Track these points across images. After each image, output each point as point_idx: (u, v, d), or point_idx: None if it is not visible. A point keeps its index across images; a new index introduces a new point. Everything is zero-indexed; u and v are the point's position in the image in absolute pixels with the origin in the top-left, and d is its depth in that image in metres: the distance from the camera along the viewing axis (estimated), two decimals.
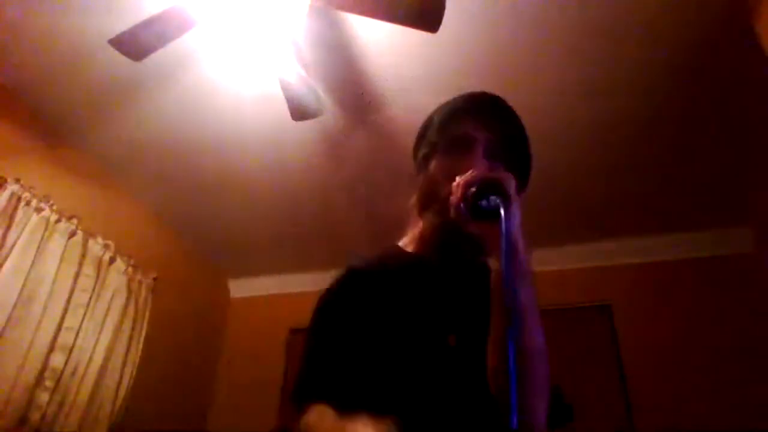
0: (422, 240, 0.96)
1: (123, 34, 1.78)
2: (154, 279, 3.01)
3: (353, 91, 2.33)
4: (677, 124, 2.39)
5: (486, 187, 0.76)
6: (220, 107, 2.46)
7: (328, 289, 0.91)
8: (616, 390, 2.88)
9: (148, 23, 1.75)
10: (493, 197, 0.74)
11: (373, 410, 0.78)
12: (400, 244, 1.01)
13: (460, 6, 1.90)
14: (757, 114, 2.25)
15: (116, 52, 1.84)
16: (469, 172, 0.78)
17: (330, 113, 2.35)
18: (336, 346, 0.85)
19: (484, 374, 0.76)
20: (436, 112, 1.01)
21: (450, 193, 0.81)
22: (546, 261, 3.29)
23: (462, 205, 0.77)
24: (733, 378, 2.66)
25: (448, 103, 1.00)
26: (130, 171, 2.94)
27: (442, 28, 1.68)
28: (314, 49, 2.11)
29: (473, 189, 0.76)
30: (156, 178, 2.99)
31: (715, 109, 2.28)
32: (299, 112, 2.09)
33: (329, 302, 0.90)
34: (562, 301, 3.17)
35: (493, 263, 0.77)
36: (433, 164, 0.95)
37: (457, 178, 0.80)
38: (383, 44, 2.10)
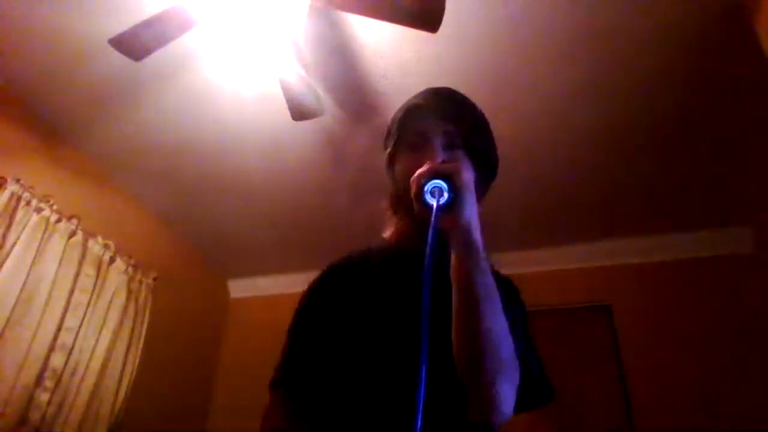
0: (398, 236, 1.00)
1: (123, 34, 1.78)
2: (154, 279, 3.02)
3: (353, 91, 2.33)
4: (677, 125, 2.39)
5: (430, 177, 0.75)
6: (220, 107, 2.45)
7: (309, 286, 0.97)
8: (616, 390, 2.88)
9: (148, 23, 1.75)
10: (435, 187, 0.74)
11: (344, 399, 0.83)
12: (384, 236, 1.04)
13: (460, 6, 1.90)
14: (757, 114, 2.25)
15: (116, 52, 1.84)
16: (424, 166, 0.78)
17: (330, 113, 2.35)
18: (312, 337, 0.89)
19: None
20: (397, 111, 1.04)
21: (410, 192, 0.81)
22: (546, 261, 3.29)
23: (419, 198, 0.77)
24: (732, 378, 2.66)
25: (406, 102, 1.03)
26: (130, 171, 2.94)
27: (442, 28, 1.68)
28: (314, 49, 2.11)
29: (419, 182, 0.76)
30: (156, 178, 2.98)
31: (715, 109, 2.28)
32: (299, 112, 2.09)
33: (308, 298, 0.95)
34: (562, 301, 3.17)
35: (452, 254, 0.78)
36: (396, 164, 0.99)
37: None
38: (383, 44, 2.10)
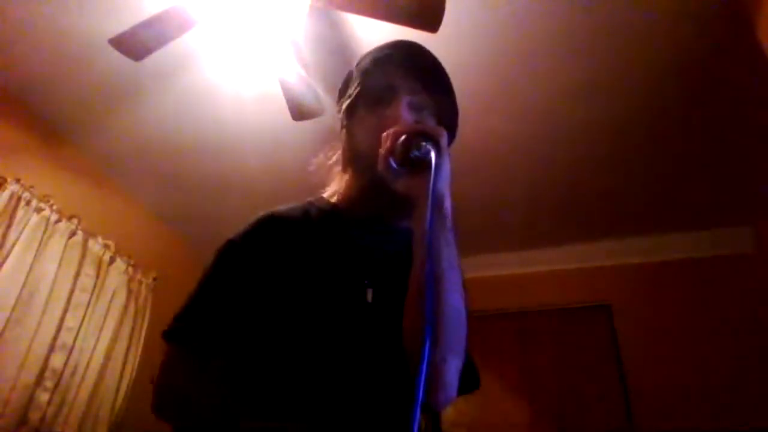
0: (348, 195, 0.90)
1: (123, 34, 1.78)
2: (154, 279, 3.02)
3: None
4: (677, 125, 2.39)
5: (417, 136, 0.73)
6: (220, 107, 2.45)
7: (240, 231, 0.84)
8: (616, 390, 2.88)
9: (148, 23, 1.75)
10: (424, 144, 0.71)
11: (268, 366, 0.73)
12: (325, 195, 0.95)
13: (460, 6, 1.90)
14: (757, 114, 2.25)
15: (116, 52, 1.84)
16: (400, 123, 0.75)
17: (330, 113, 2.35)
18: (233, 290, 0.77)
19: (400, 333, 0.73)
20: (358, 62, 0.96)
21: (376, 148, 0.77)
22: (546, 261, 3.29)
23: (390, 158, 0.74)
24: (732, 378, 2.66)
25: (370, 53, 0.94)
26: (130, 171, 2.94)
27: (441, 27, 1.68)
28: (314, 49, 2.11)
29: (403, 138, 0.74)
30: (156, 178, 2.98)
31: (715, 109, 2.28)
32: (299, 112, 2.09)
33: (238, 243, 0.82)
34: (562, 301, 3.17)
35: (416, 221, 0.74)
36: (356, 117, 0.90)
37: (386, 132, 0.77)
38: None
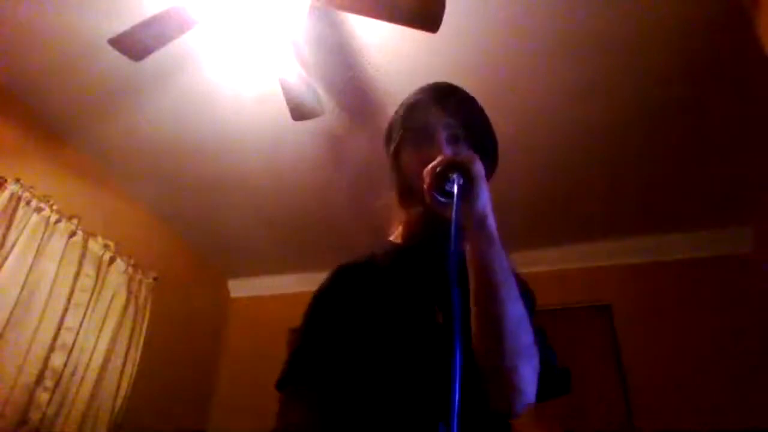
0: (408, 231, 1.00)
1: (123, 34, 1.78)
2: (154, 279, 3.02)
3: (353, 92, 2.33)
4: (677, 125, 2.39)
5: (447, 168, 0.78)
6: (219, 107, 2.45)
7: (319, 288, 0.96)
8: (616, 390, 2.88)
9: (147, 23, 1.75)
10: (452, 175, 0.76)
11: (362, 392, 0.82)
12: (391, 238, 1.05)
13: (460, 6, 1.90)
14: (757, 114, 2.25)
15: (116, 52, 1.84)
16: (437, 159, 0.80)
17: (330, 113, 2.35)
18: (325, 335, 0.88)
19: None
20: (398, 109, 1.06)
21: (421, 185, 0.83)
22: (546, 261, 3.29)
23: (433, 192, 0.79)
24: (732, 378, 2.66)
25: (407, 99, 1.05)
26: (130, 171, 2.94)
27: (441, 28, 1.68)
28: (314, 49, 2.11)
29: (436, 173, 0.79)
30: (156, 178, 2.98)
31: (715, 109, 2.28)
32: (299, 112, 2.09)
33: (319, 298, 0.94)
34: (562, 301, 3.17)
35: (467, 242, 0.80)
36: (402, 159, 0.99)
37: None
38: (383, 44, 2.10)
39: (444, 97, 1.00)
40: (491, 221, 0.78)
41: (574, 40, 2.04)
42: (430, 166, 0.80)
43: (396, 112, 1.06)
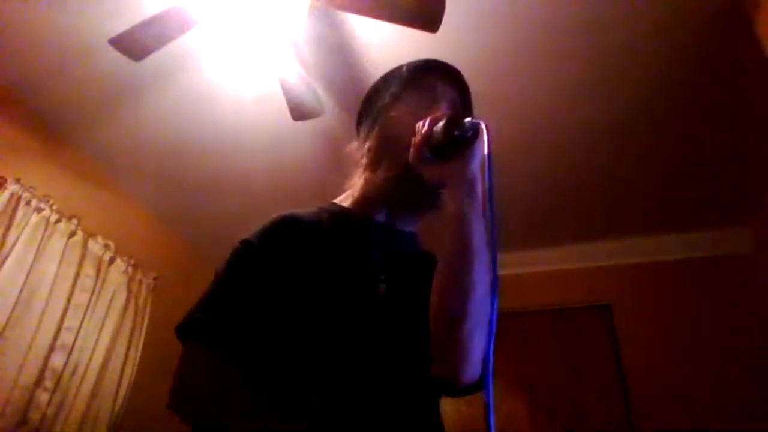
0: (365, 197, 0.92)
1: (123, 34, 1.78)
2: (154, 279, 3.02)
3: (353, 91, 2.33)
4: (677, 125, 2.39)
5: (457, 117, 0.77)
6: (219, 107, 2.45)
7: (254, 233, 0.86)
8: (616, 390, 2.88)
9: (148, 23, 1.75)
10: (468, 121, 0.75)
11: (280, 361, 0.74)
12: (337, 201, 1.00)
13: (460, 6, 1.90)
14: (757, 114, 2.25)
15: (116, 52, 1.84)
16: (440, 113, 0.79)
17: (330, 113, 2.35)
18: (247, 289, 0.78)
19: (413, 323, 0.78)
20: (399, 67, 1.02)
21: (408, 140, 0.82)
22: (546, 261, 3.29)
23: (424, 146, 0.78)
24: (733, 378, 2.67)
25: (406, 64, 1.02)
26: (130, 171, 2.94)
27: (441, 27, 1.68)
28: (314, 49, 2.11)
29: (442, 122, 0.77)
30: (156, 178, 2.99)
31: (715, 109, 2.28)
32: (299, 112, 2.09)
33: (252, 245, 0.83)
34: (562, 301, 3.17)
35: (450, 202, 0.78)
36: (394, 114, 0.92)
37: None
38: (383, 44, 2.10)
39: (454, 75, 0.98)
40: (479, 186, 0.77)
41: (574, 40, 2.04)
42: (430, 116, 0.79)
43: (396, 69, 1.02)
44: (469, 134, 0.75)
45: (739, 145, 2.45)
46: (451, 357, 0.74)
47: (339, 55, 2.16)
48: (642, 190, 2.82)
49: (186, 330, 0.80)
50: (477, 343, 0.73)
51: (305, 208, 0.93)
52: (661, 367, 2.83)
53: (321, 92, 2.18)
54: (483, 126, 0.73)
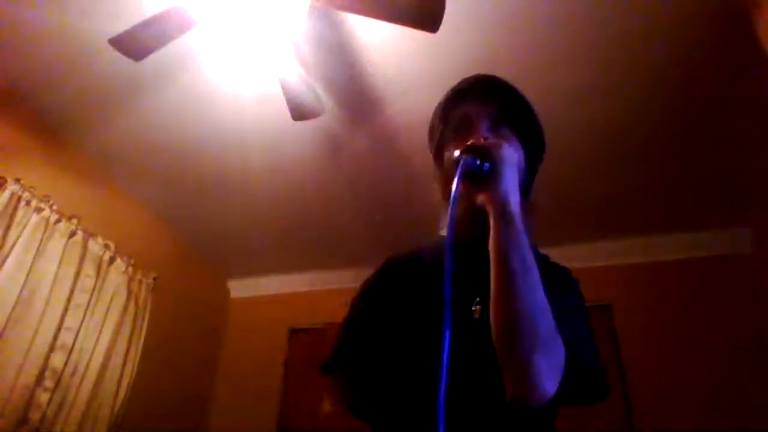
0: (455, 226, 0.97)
1: (123, 34, 1.78)
2: (154, 279, 3.02)
3: (353, 91, 2.33)
4: (677, 124, 2.39)
5: (467, 152, 0.77)
6: (220, 107, 2.45)
7: (365, 281, 1.01)
8: (616, 390, 2.88)
9: (148, 23, 1.75)
10: (467, 158, 0.75)
11: (396, 389, 0.86)
12: (442, 233, 1.02)
13: (460, 6, 1.90)
14: (757, 114, 2.25)
15: (116, 52, 1.84)
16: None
17: (330, 113, 2.35)
18: (365, 326, 0.94)
19: None
20: (436, 107, 1.04)
21: None
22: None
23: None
24: (733, 378, 2.66)
25: (446, 93, 1.02)
26: (130, 171, 2.94)
27: (441, 27, 1.68)
28: (314, 49, 2.11)
29: (454, 158, 0.78)
30: (156, 178, 2.98)
31: (715, 109, 2.28)
32: (299, 112, 2.09)
33: (364, 293, 0.99)
34: None
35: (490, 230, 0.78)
36: (444, 155, 0.97)
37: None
38: (383, 44, 2.10)
39: (485, 85, 0.98)
40: (513, 208, 0.76)
41: (573, 39, 2.04)
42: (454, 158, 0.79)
43: (437, 106, 1.04)
44: (475, 164, 0.76)
45: (739, 145, 2.45)
46: (516, 384, 0.74)
47: (339, 55, 2.16)
48: (642, 190, 2.82)
49: (323, 368, 0.97)
50: (539, 365, 0.72)
51: (411, 245, 1.03)
52: (661, 367, 2.82)
53: (321, 92, 2.18)
54: (459, 170, 0.74)
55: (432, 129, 1.04)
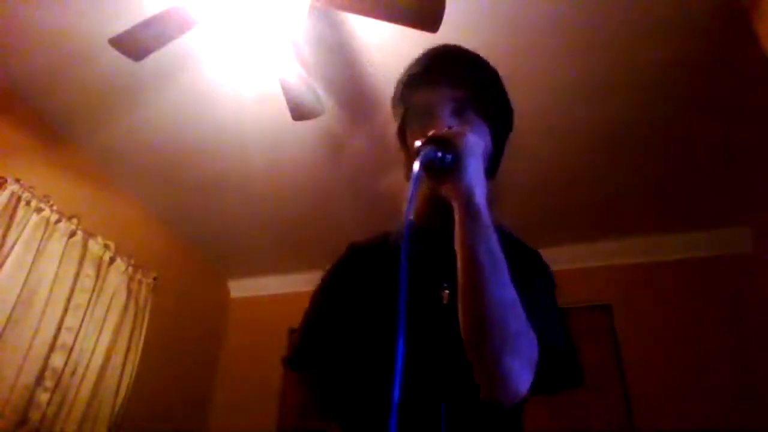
0: (419, 210, 0.93)
1: (123, 34, 1.78)
2: (154, 279, 3.02)
3: (353, 91, 2.33)
4: (677, 124, 2.39)
5: (427, 146, 0.72)
6: (219, 107, 2.45)
7: (329, 268, 0.99)
8: (616, 390, 2.88)
9: (148, 23, 1.75)
10: (427, 150, 0.71)
11: (363, 375, 0.84)
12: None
13: (460, 6, 1.90)
14: (757, 114, 2.25)
15: (116, 52, 1.84)
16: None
17: (330, 113, 2.35)
18: (328, 318, 0.92)
19: None
20: (399, 77, 0.98)
21: None
22: (546, 261, 3.29)
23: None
24: (733, 378, 2.66)
25: (404, 72, 0.97)
26: (130, 171, 2.94)
27: (441, 27, 1.68)
28: (314, 49, 2.11)
29: (413, 151, 0.75)
30: (156, 178, 2.99)
31: (715, 108, 2.28)
32: (299, 112, 2.09)
33: (327, 280, 0.97)
34: (562, 301, 3.16)
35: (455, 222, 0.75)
36: (407, 138, 0.92)
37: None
38: (383, 44, 2.10)
39: (445, 65, 0.92)
40: (479, 200, 0.72)
41: (572, 39, 2.04)
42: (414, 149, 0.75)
43: (397, 82, 0.97)
44: (437, 157, 0.72)
45: (739, 145, 2.45)
46: (487, 381, 0.71)
47: (339, 55, 2.16)
48: (642, 190, 2.82)
49: (286, 362, 0.97)
50: (509, 363, 0.69)
51: (380, 231, 1.01)
52: (661, 367, 2.82)
53: (321, 92, 2.18)
54: (417, 164, 0.68)
55: (394, 107, 0.98)
